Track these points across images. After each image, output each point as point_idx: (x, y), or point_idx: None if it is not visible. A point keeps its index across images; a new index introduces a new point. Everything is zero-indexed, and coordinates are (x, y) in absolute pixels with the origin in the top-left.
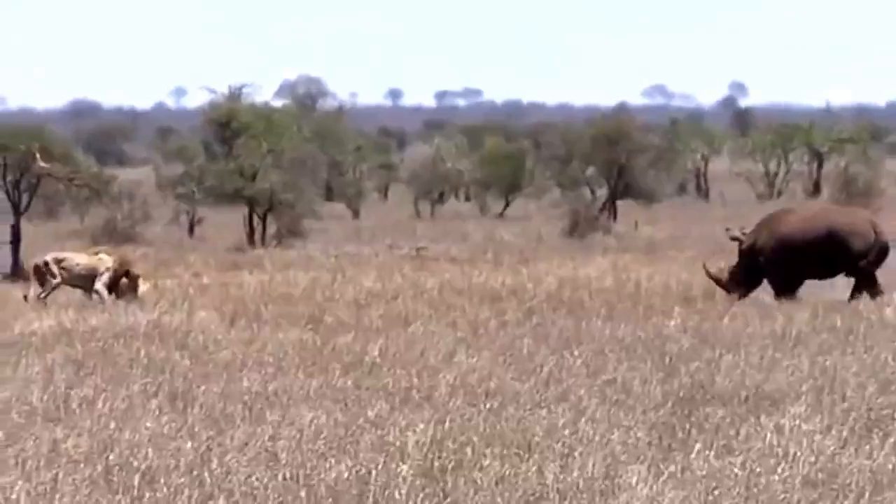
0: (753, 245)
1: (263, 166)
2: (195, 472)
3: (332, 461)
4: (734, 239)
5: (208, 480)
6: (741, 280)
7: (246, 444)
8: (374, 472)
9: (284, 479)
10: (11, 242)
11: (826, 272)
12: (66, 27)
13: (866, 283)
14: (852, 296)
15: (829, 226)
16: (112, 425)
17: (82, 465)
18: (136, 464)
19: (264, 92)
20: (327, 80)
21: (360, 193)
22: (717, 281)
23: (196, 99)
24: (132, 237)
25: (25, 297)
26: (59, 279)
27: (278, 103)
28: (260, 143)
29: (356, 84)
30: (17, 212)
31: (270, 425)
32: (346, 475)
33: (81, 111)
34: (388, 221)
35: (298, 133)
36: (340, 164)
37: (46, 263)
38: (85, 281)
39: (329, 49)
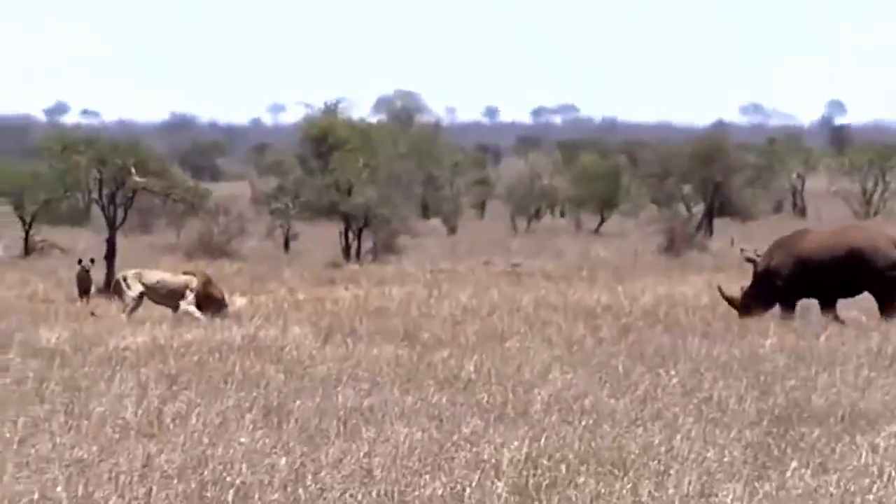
0: (769, 266)
1: (359, 181)
2: (289, 489)
3: (427, 478)
4: (749, 260)
5: (303, 497)
6: (757, 301)
7: (341, 460)
8: (468, 490)
9: (379, 495)
10: (106, 257)
11: (847, 291)
12: (163, 42)
13: (887, 303)
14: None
15: (849, 245)
16: (206, 440)
17: (176, 481)
18: (229, 479)
19: (360, 107)
20: (425, 96)
21: (456, 209)
22: (731, 302)
23: (293, 115)
24: (227, 252)
25: (93, 313)
26: (134, 294)
27: (375, 119)
28: (356, 158)
29: (454, 100)
30: (112, 226)
31: (365, 441)
32: (440, 492)
33: (178, 126)
34: (483, 237)
35: (394, 148)
36: (437, 179)
37: (125, 279)
38: (168, 300)
39: (427, 65)
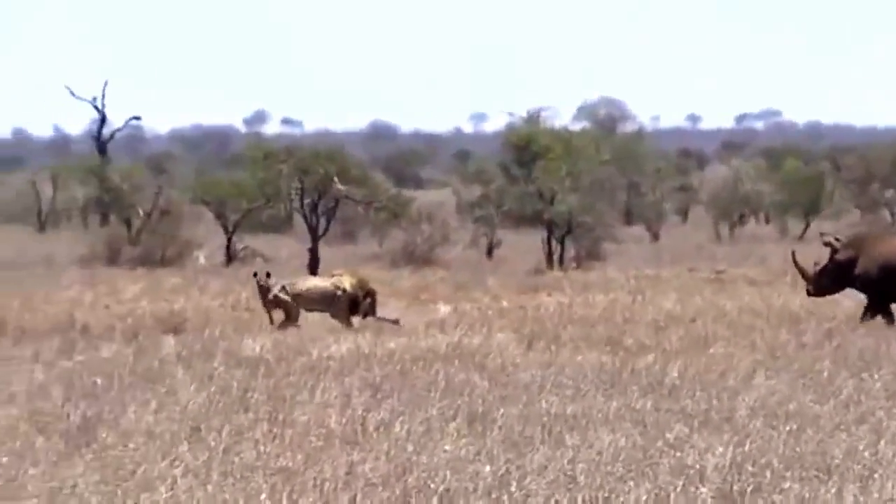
0: (848, 262)
1: (562, 189)
2: (494, 496)
3: (631, 484)
4: (827, 244)
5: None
6: (824, 282)
7: (545, 466)
8: (672, 495)
9: (583, 502)
10: (309, 266)
11: None
12: (363, 51)
13: None
14: None
15: None
16: (409, 448)
17: (380, 489)
18: (433, 487)
19: (563, 115)
20: (628, 103)
21: (659, 215)
22: (802, 272)
23: (494, 124)
24: (431, 260)
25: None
26: (292, 303)
27: (577, 126)
28: (559, 167)
29: (656, 107)
30: (315, 235)
31: (570, 448)
32: (644, 498)
33: (378, 134)
34: (687, 244)
35: (597, 155)
36: (640, 185)
37: (275, 294)
38: (319, 304)
39: (630, 72)
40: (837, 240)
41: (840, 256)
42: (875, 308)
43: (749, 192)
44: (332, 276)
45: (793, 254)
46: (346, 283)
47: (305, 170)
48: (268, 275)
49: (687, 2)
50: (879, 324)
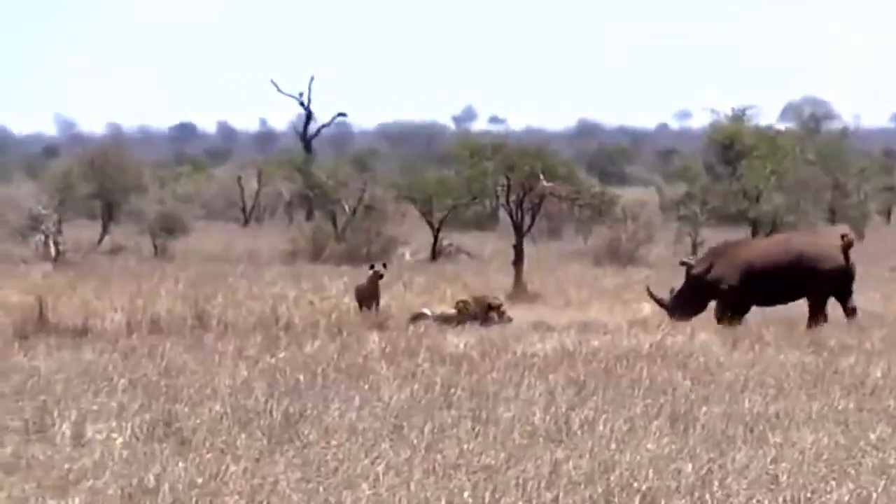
0: (706, 273)
1: (767, 188)
2: (696, 495)
3: (833, 484)
4: (683, 264)
5: (709, 502)
6: (686, 304)
7: (747, 466)
8: (874, 495)
9: (785, 501)
10: (514, 262)
11: (790, 297)
12: (570, 48)
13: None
14: (811, 322)
15: (799, 252)
16: (613, 447)
17: (582, 487)
18: (636, 485)
19: (768, 114)
20: (833, 102)
21: (864, 216)
22: (659, 303)
23: (699, 121)
24: (635, 259)
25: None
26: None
27: (782, 125)
28: (764, 165)
29: (861, 106)
30: (520, 232)
31: (772, 447)
32: (846, 498)
33: (585, 132)
34: (890, 244)
35: (801, 155)
36: (844, 186)
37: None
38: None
39: (836, 71)
40: (690, 258)
41: (696, 270)
42: (732, 310)
43: None
44: (458, 303)
45: (647, 289)
46: (468, 307)
47: (511, 167)
48: (384, 265)
49: (891, 2)
50: None
